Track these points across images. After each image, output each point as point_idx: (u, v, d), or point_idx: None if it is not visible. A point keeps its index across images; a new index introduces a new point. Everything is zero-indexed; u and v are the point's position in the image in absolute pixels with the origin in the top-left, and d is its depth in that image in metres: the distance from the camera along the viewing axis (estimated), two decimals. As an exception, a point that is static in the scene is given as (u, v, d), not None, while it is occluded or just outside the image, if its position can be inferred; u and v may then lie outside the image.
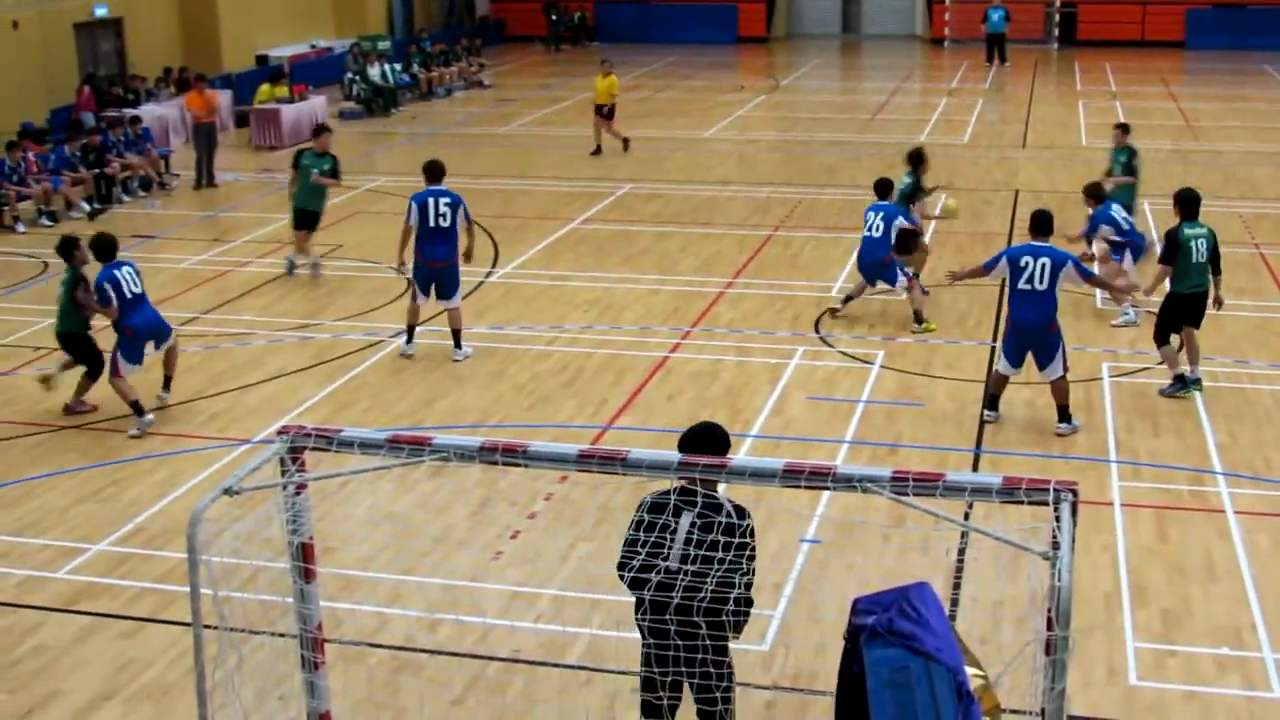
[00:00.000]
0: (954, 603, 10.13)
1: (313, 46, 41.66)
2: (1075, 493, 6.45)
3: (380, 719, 9.29)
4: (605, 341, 17.37)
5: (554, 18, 52.90)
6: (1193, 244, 14.98)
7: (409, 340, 16.77)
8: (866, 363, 16.40)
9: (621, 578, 7.77)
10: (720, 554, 7.39)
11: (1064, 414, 14.31)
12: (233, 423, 14.82)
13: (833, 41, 55.68)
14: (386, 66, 38.01)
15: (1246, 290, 19.26)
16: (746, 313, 18.42)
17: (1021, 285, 14.13)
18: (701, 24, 53.96)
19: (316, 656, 7.80)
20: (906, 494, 6.61)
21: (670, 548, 7.53)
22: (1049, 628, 6.13)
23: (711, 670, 7.59)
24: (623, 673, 9.50)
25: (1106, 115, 35.34)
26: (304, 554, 7.58)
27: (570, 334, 17.61)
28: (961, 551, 10.63)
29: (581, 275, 20.46)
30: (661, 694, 7.90)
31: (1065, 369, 14.23)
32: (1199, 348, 15.36)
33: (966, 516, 11.02)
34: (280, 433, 7.45)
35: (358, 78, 37.43)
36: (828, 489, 6.81)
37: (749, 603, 7.64)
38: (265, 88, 32.93)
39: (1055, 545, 6.24)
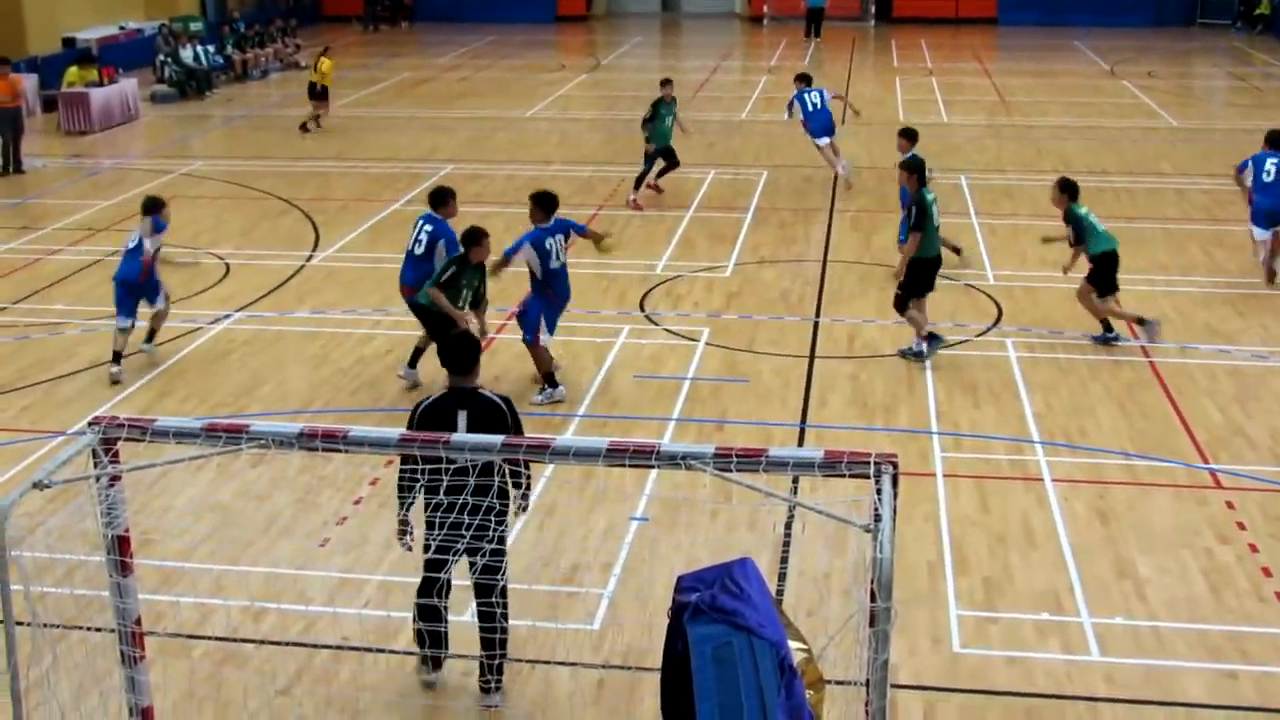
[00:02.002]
0: (782, 577, 10.26)
1: (122, 28, 40.51)
2: (895, 465, 6.52)
3: (204, 712, 9.12)
4: (430, 324, 17.18)
5: (371, -3, 52.20)
6: (933, 209, 15.33)
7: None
8: (692, 340, 16.49)
9: (408, 490, 8.70)
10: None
11: (548, 380, 14.83)
12: (45, 415, 14.39)
13: (653, 20, 55.77)
14: (199, 48, 37.17)
15: (1060, 262, 19.68)
16: (572, 292, 18.34)
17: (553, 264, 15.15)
18: (520, 3, 53.53)
19: (136, 651, 7.61)
20: (730, 470, 6.63)
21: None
22: (872, 599, 6.20)
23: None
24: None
25: (923, 92, 36.01)
26: (120, 547, 7.39)
27: (395, 316, 17.35)
28: (788, 526, 10.74)
29: (405, 257, 20.19)
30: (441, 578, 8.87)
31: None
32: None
33: (794, 491, 11.14)
34: (91, 424, 7.25)
35: (169, 60, 36.53)
36: (652, 467, 6.84)
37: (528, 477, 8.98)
38: (73, 70, 32.00)
39: (877, 517, 6.30)
